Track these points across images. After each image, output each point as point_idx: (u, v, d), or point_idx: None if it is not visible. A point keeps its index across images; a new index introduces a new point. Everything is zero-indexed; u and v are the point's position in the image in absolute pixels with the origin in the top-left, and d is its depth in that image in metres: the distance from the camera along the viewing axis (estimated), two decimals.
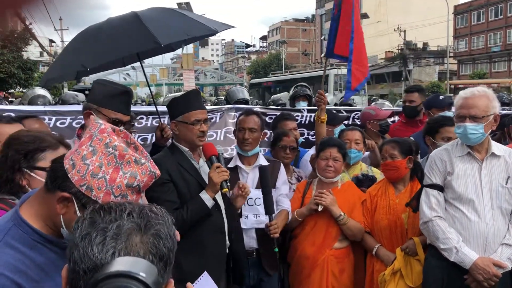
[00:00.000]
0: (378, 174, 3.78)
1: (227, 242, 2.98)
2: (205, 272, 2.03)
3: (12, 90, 25.46)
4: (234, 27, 3.86)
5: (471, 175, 2.82)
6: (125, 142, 1.45)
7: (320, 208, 3.28)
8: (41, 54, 37.07)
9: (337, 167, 3.42)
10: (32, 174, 1.79)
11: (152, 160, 1.45)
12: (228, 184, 2.78)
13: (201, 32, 3.48)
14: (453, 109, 4.68)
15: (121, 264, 0.88)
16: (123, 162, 1.38)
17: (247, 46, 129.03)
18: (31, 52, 33.73)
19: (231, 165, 3.36)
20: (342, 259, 3.35)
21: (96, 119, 1.47)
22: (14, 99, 15.06)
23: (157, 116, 4.53)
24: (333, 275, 3.29)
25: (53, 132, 3.85)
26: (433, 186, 2.92)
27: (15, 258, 1.33)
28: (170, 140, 3.49)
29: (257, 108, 5.11)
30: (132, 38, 3.27)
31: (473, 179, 2.81)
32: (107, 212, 0.98)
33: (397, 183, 3.36)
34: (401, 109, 5.23)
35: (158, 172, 1.43)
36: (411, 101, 4.83)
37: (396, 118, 5.35)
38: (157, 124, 4.57)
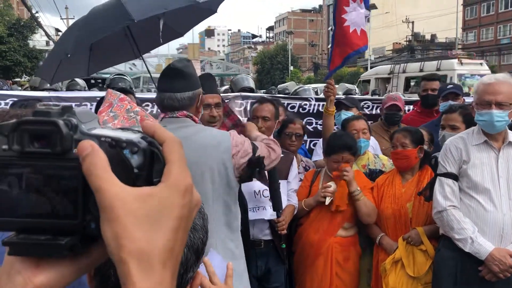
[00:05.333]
0: (385, 160, 3.71)
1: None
2: (211, 248, 1.97)
3: (18, 79, 25.51)
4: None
5: (487, 164, 2.74)
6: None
7: (327, 202, 3.22)
8: (47, 43, 37.09)
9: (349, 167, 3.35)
10: None
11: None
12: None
13: (179, 4, 3.40)
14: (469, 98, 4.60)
15: None
16: None
17: (254, 36, 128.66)
18: (37, 41, 33.75)
19: None
20: (347, 247, 3.31)
21: (114, 91, 1.42)
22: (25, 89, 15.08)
23: None
24: (337, 263, 3.25)
25: None
26: (447, 174, 2.84)
27: None
28: None
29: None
30: (108, 19, 3.26)
31: (490, 168, 2.73)
32: None
33: (405, 173, 3.30)
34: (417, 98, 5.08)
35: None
36: (434, 89, 4.56)
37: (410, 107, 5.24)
38: None
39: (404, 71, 17.42)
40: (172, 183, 0.48)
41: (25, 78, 25.68)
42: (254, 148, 2.41)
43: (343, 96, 5.22)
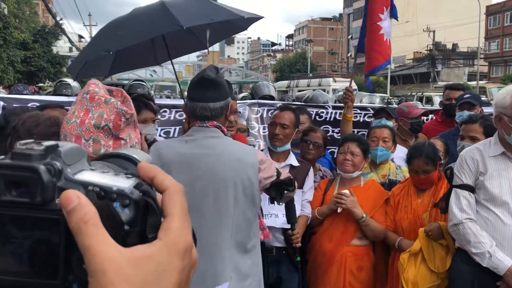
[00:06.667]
0: (406, 172, 3.63)
1: None
2: (227, 282, 1.99)
3: (41, 84, 26.06)
4: (263, 17, 3.81)
5: (505, 176, 2.67)
6: (121, 102, 1.44)
7: (339, 210, 3.21)
8: (70, 50, 37.81)
9: (356, 162, 3.30)
10: None
11: (128, 101, 1.42)
12: None
13: (225, 16, 3.47)
14: (488, 108, 4.52)
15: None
16: (94, 105, 1.37)
17: (273, 44, 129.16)
18: (61, 47, 34.45)
19: None
20: (361, 256, 3.27)
21: (92, 81, 1.51)
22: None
23: (181, 109, 4.52)
24: (351, 273, 3.21)
25: None
26: (463, 186, 2.77)
27: None
28: None
29: (279, 104, 5.03)
30: (155, 22, 3.31)
31: (508, 180, 2.66)
32: None
33: None
34: (438, 107, 5.03)
35: (125, 109, 1.38)
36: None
37: (430, 116, 5.17)
38: (180, 118, 4.57)
39: (297, 86, 22.92)
40: (171, 242, 0.43)
41: (48, 83, 26.21)
42: (278, 173, 2.41)
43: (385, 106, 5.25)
